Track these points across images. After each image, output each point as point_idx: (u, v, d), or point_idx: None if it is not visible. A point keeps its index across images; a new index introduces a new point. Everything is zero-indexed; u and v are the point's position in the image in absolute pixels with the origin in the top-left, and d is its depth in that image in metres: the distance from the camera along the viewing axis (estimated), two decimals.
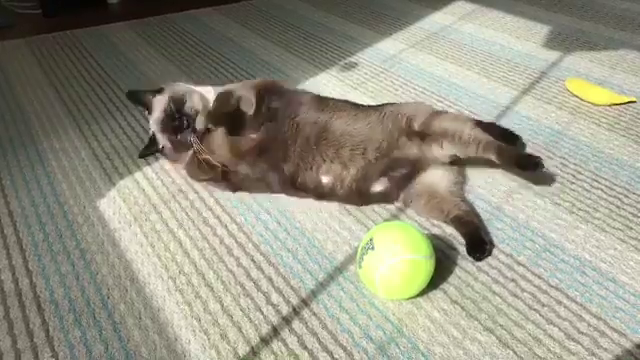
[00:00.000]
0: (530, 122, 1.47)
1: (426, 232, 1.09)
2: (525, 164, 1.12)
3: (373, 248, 0.90)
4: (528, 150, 1.34)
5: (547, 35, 2.03)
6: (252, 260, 1.05)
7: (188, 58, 1.94)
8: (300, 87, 1.68)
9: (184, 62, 1.91)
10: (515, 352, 0.85)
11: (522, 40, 2.01)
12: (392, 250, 0.90)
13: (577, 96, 1.58)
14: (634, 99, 1.53)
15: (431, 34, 2.09)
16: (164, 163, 1.34)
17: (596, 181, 1.24)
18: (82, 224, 1.16)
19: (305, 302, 0.95)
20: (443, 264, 1.01)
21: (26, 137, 1.47)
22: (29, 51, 2.03)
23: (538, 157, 1.11)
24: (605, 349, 0.85)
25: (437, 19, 2.24)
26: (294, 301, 0.95)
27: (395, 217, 1.15)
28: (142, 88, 1.39)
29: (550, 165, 1.29)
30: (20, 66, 1.89)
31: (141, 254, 1.07)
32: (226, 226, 1.14)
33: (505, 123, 1.42)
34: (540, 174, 1.19)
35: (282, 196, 1.20)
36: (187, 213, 1.18)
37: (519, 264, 1.01)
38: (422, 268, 0.91)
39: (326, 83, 1.74)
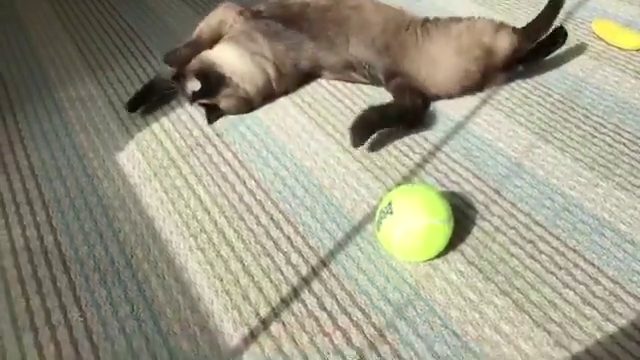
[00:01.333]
0: (553, 69, 1.43)
1: (444, 189, 1.09)
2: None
3: (392, 212, 0.91)
4: (549, 102, 1.31)
5: None
6: (271, 219, 1.06)
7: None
8: None
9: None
10: (530, 316, 0.86)
11: None
12: (410, 215, 0.90)
13: (604, 39, 1.52)
14: None
15: None
16: (181, 113, 1.34)
17: (619, 134, 1.22)
18: (102, 179, 1.17)
19: (324, 262, 0.97)
20: (461, 224, 1.01)
21: (42, 86, 1.46)
22: None
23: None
24: (620, 314, 0.86)
25: None
26: (313, 262, 0.97)
27: (413, 174, 1.14)
28: (164, 36, 1.39)
29: (572, 117, 1.26)
30: (36, 15, 1.86)
31: (162, 211, 1.08)
32: (245, 182, 1.14)
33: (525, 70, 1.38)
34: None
35: (298, 147, 1.19)
36: (206, 168, 1.19)
37: (537, 224, 1.02)
38: (440, 232, 0.91)
39: None
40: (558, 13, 1.30)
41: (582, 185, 1.09)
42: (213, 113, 1.29)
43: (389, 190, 1.07)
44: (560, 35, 1.33)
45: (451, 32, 1.29)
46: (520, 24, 1.32)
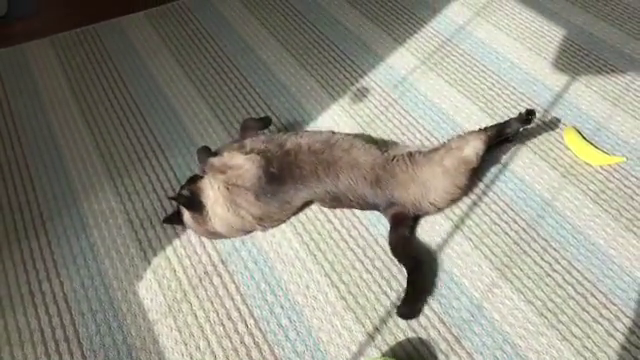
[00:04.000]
0: (522, 187, 1.59)
1: (414, 336, 1.29)
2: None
3: None
4: (514, 230, 1.49)
5: (560, 45, 2.06)
6: None
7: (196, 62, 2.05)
8: (313, 124, 1.83)
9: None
10: None
11: (534, 54, 2.04)
12: None
13: (572, 150, 1.68)
14: (623, 159, 1.64)
15: (444, 42, 2.13)
16: (190, 235, 1.54)
17: (569, 273, 1.41)
18: (126, 313, 1.39)
19: None
20: None
21: (69, 196, 1.65)
22: (58, 61, 2.13)
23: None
24: None
25: (452, 15, 2.24)
26: None
27: (389, 315, 1.34)
28: (184, 147, 1.65)
29: (532, 250, 1.45)
30: (61, 110, 2.03)
31: (177, 353, 1.31)
32: (245, 321, 1.36)
33: (500, 188, 1.58)
34: None
35: (292, 279, 1.41)
36: (212, 303, 1.40)
37: None
38: None
39: (337, 119, 1.85)
40: (525, 125, 1.62)
41: (530, 333, 1.30)
42: (175, 219, 1.51)
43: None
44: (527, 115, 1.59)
45: (434, 158, 1.49)
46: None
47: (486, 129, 1.57)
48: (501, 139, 1.63)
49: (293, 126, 1.83)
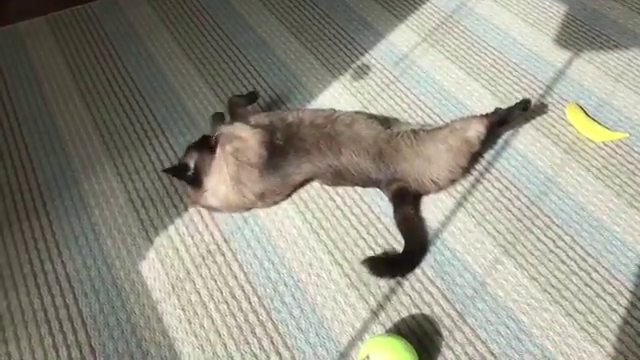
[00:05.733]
0: (525, 163, 1.59)
1: (417, 312, 1.30)
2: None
3: None
4: (516, 207, 1.49)
5: (562, 21, 2.04)
6: (272, 342, 1.28)
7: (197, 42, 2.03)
8: (313, 102, 1.82)
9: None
10: None
11: (535, 30, 2.03)
12: None
13: (574, 127, 1.67)
14: (626, 135, 1.63)
15: (445, 19, 2.11)
16: (193, 213, 1.54)
17: (572, 249, 1.41)
18: (129, 292, 1.39)
19: None
20: (428, 351, 1.23)
21: (69, 177, 1.64)
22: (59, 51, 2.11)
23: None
24: None
25: None
26: None
27: (393, 292, 1.35)
28: (184, 127, 1.61)
29: (535, 226, 1.45)
30: (60, 94, 2.00)
31: (181, 331, 1.31)
32: (249, 299, 1.36)
33: (502, 165, 1.58)
34: None
35: (295, 256, 1.41)
36: (216, 281, 1.40)
37: (491, 354, 1.23)
38: None
39: (338, 97, 1.84)
40: (523, 112, 1.63)
41: (533, 309, 1.30)
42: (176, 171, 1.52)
43: (369, 341, 1.28)
44: (524, 104, 1.61)
45: (438, 136, 1.49)
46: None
47: (488, 115, 1.57)
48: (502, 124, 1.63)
49: (293, 104, 1.82)
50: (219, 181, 1.46)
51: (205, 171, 1.48)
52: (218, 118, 1.66)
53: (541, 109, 1.74)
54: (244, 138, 1.50)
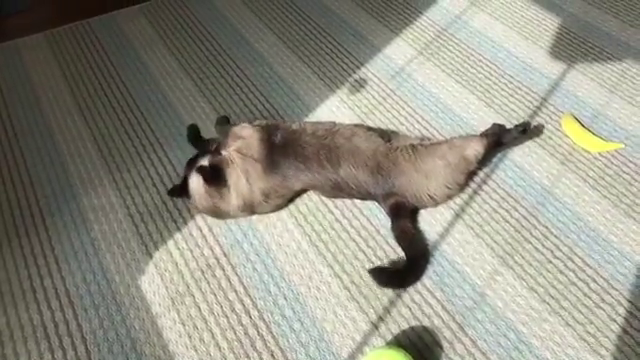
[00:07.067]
0: (522, 174, 1.60)
1: (417, 324, 1.30)
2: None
3: None
4: (514, 218, 1.50)
5: (556, 33, 2.06)
6: (272, 356, 1.28)
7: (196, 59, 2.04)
8: (312, 115, 1.83)
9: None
10: None
11: (530, 43, 2.05)
12: None
13: (570, 138, 1.69)
14: (621, 145, 1.65)
15: (440, 32, 2.13)
16: (191, 228, 1.54)
17: (570, 259, 1.41)
18: (129, 307, 1.38)
19: None
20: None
21: (68, 192, 1.64)
22: (54, 60, 2.12)
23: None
24: None
25: (447, 5, 2.24)
26: None
27: (392, 305, 1.35)
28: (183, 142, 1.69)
29: (533, 237, 1.45)
30: (59, 108, 2.00)
31: (181, 346, 1.31)
32: (249, 313, 1.36)
33: (499, 176, 1.60)
34: None
35: (294, 270, 1.41)
36: (216, 295, 1.40)
37: (483, 353, 1.24)
38: None
39: (335, 111, 1.85)
40: (522, 135, 1.63)
41: (533, 320, 1.31)
42: (180, 191, 1.55)
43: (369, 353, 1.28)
44: (522, 127, 1.62)
45: (437, 152, 1.51)
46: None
47: (487, 135, 1.59)
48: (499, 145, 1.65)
49: (292, 118, 1.83)
50: (238, 176, 1.49)
51: (223, 167, 1.51)
52: (224, 121, 1.72)
53: (537, 120, 1.75)
54: (245, 136, 1.54)
